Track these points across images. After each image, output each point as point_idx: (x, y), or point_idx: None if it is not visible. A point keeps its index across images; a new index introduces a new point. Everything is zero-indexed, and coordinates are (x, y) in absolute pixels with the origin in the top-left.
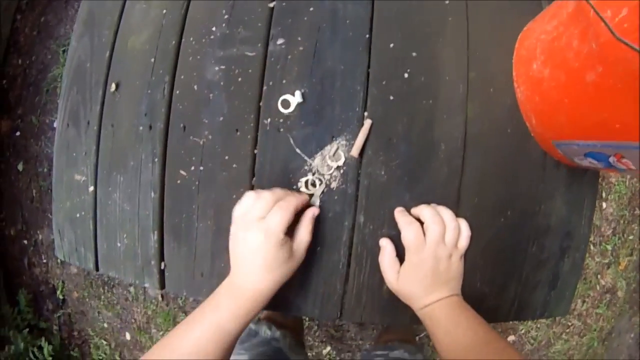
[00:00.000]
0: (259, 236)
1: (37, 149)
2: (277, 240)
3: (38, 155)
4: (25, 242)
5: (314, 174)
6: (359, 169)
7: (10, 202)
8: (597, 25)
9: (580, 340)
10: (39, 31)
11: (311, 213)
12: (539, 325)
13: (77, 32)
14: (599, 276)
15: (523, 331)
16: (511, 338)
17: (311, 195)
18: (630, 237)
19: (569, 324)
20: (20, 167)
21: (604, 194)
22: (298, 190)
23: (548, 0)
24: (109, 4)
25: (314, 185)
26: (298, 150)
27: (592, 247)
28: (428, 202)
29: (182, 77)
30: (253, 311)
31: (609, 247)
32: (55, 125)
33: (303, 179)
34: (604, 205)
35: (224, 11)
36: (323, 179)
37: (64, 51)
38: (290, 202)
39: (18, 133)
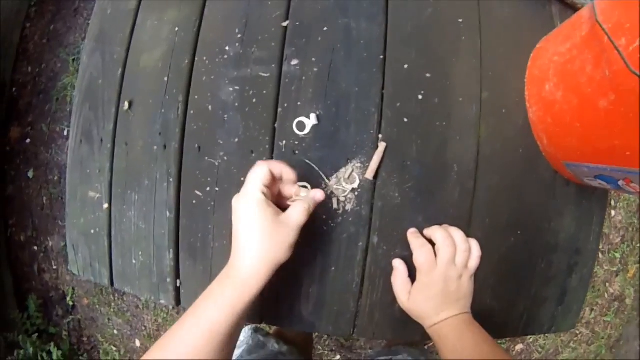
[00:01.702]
0: (240, 204)
1: (47, 156)
2: (253, 198)
3: (48, 162)
4: (36, 248)
5: (352, 166)
6: (373, 191)
7: (20, 208)
8: (611, 53)
9: (589, 349)
10: (49, 39)
11: (312, 195)
12: (546, 334)
13: (87, 48)
14: (607, 284)
15: (531, 340)
16: (519, 347)
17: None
18: (639, 245)
19: (577, 332)
20: (30, 174)
21: (612, 202)
22: None
23: (560, 17)
24: (120, 20)
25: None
26: (317, 169)
27: (600, 255)
28: (440, 223)
29: (196, 97)
30: (242, 300)
31: (618, 255)
32: (65, 133)
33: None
34: (613, 213)
35: (237, 30)
36: (358, 172)
37: (73, 60)
38: (260, 168)
39: (28, 140)
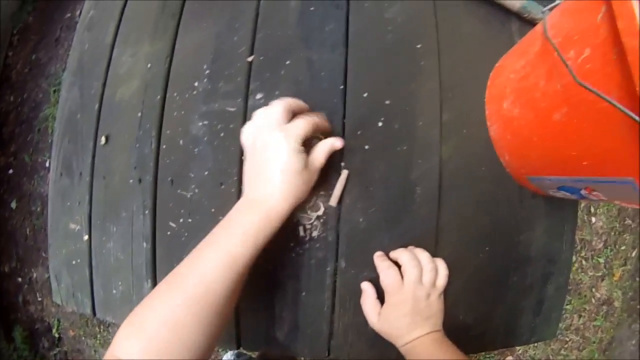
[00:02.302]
0: (279, 137)
1: (30, 187)
2: (296, 144)
3: (31, 193)
4: (20, 279)
5: (316, 195)
6: (338, 217)
7: (4, 239)
8: (561, 66)
9: (580, 354)
10: (31, 68)
11: (332, 140)
12: (536, 344)
13: (66, 81)
14: (593, 289)
15: (520, 351)
16: (509, 358)
17: None
18: (623, 248)
19: (567, 339)
20: (13, 204)
21: (592, 209)
22: None
23: (519, 34)
24: (97, 54)
25: (316, 206)
26: None
27: (584, 262)
28: (407, 244)
29: (168, 131)
30: (265, 231)
31: (602, 260)
32: (47, 164)
33: None
34: (593, 220)
35: (205, 66)
36: (321, 200)
37: (54, 91)
38: (310, 116)
39: (11, 171)
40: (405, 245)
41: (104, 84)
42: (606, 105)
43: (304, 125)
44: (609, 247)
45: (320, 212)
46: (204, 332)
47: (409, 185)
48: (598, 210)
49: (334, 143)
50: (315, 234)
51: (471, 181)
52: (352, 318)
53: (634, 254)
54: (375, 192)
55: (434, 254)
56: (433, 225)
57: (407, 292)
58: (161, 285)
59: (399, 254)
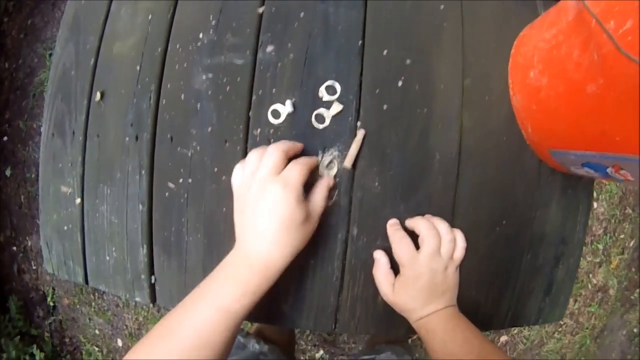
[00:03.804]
0: (278, 189)
1: (24, 154)
2: (297, 194)
3: (26, 160)
4: (15, 248)
5: (331, 154)
6: (352, 181)
7: None
8: (599, 37)
9: (573, 339)
10: (26, 34)
11: (327, 181)
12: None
13: (61, 37)
14: (590, 275)
15: (515, 331)
16: (504, 338)
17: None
18: (622, 236)
19: (562, 323)
20: (8, 172)
21: (595, 194)
22: None
23: (544, 6)
24: (95, 8)
25: (330, 166)
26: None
27: (583, 246)
28: (423, 213)
29: (169, 85)
30: (262, 287)
31: (600, 247)
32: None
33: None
34: (595, 205)
35: (211, 17)
36: (336, 160)
37: (50, 55)
38: (305, 160)
39: (6, 138)
40: (421, 215)
41: (101, 39)
42: None
43: (301, 171)
44: (609, 234)
45: (334, 173)
46: None
47: (428, 151)
48: (600, 195)
49: (330, 183)
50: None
51: (491, 152)
52: (362, 290)
53: (632, 243)
54: (391, 155)
55: (451, 226)
56: (450, 197)
57: (423, 264)
58: (152, 338)
59: (416, 223)
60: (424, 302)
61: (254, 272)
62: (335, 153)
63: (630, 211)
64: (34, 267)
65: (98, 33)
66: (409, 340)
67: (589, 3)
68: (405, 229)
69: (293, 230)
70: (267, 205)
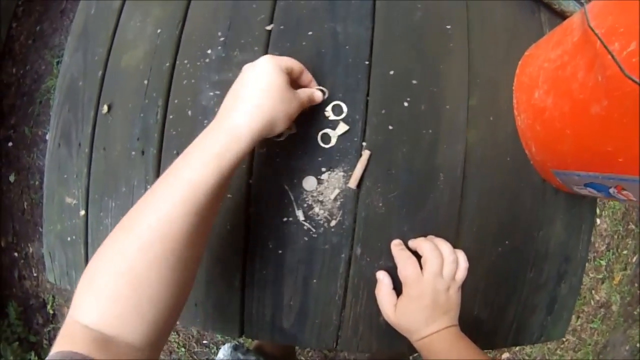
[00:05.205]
0: (265, 59)
1: (29, 160)
2: (280, 65)
3: (30, 167)
4: (16, 254)
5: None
6: (356, 201)
7: (1, 213)
8: (604, 58)
9: (575, 355)
10: (34, 40)
11: (318, 90)
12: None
13: (70, 46)
14: (593, 291)
15: (517, 348)
16: (505, 356)
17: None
18: (624, 252)
19: (564, 339)
20: (12, 178)
21: (598, 211)
22: None
23: (549, 25)
24: (104, 18)
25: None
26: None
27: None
28: (427, 232)
29: (176, 101)
30: (231, 151)
31: (603, 263)
32: (47, 138)
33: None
34: (598, 221)
35: (219, 33)
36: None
37: (58, 62)
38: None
39: (10, 144)
40: (424, 235)
41: (109, 50)
42: None
43: (291, 60)
44: (611, 250)
45: (337, 194)
46: (167, 284)
47: (433, 171)
48: (603, 212)
49: (318, 95)
50: (331, 217)
51: (495, 171)
52: (364, 309)
53: (634, 259)
54: (397, 175)
55: (454, 246)
56: (455, 215)
57: (426, 285)
58: (115, 231)
59: (420, 244)
60: (425, 321)
61: (220, 133)
62: (341, 173)
63: (634, 227)
64: (35, 274)
65: (107, 44)
66: (410, 358)
67: (593, 23)
68: (409, 250)
69: (272, 91)
70: (249, 74)
